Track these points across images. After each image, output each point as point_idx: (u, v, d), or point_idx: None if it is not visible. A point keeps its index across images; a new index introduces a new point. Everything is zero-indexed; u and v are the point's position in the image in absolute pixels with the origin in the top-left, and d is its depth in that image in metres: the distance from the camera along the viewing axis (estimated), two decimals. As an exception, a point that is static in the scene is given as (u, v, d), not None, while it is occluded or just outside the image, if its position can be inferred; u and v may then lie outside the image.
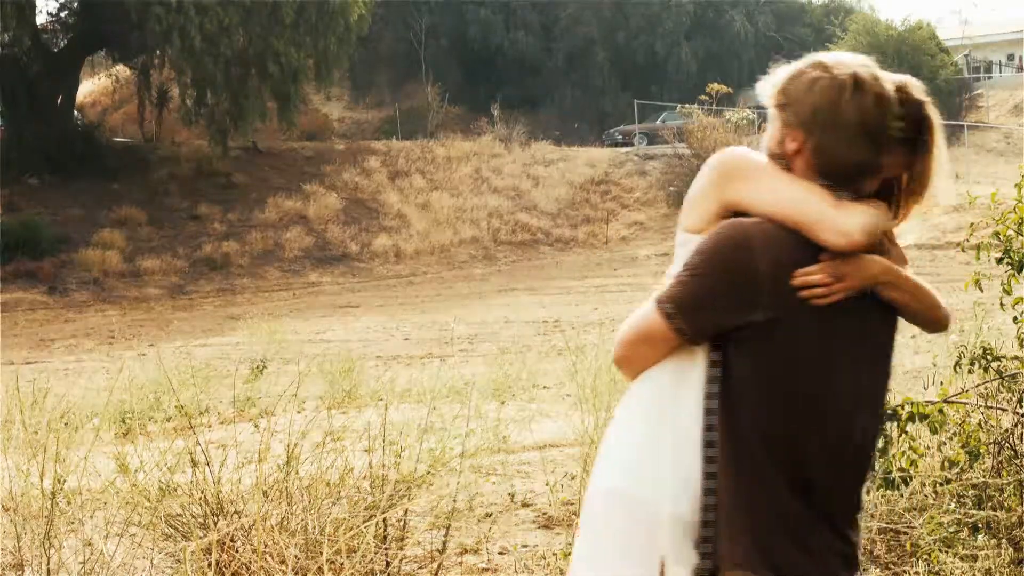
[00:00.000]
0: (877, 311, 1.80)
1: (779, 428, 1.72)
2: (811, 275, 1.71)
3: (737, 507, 1.71)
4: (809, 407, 1.73)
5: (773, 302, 1.71)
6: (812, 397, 1.73)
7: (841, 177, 1.76)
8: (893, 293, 1.79)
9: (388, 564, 3.23)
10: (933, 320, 1.87)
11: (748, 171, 1.82)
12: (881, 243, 1.82)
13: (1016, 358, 3.54)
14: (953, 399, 3.44)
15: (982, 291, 3.58)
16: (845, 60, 1.79)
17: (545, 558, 3.70)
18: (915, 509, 3.42)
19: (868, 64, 1.79)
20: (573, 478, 4.58)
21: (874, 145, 1.76)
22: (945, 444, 3.62)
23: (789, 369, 1.72)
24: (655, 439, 1.79)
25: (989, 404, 3.63)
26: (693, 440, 1.76)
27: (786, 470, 1.71)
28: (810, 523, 1.72)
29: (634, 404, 1.86)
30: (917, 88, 1.85)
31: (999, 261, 3.47)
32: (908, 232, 1.94)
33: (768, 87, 1.82)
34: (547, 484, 4.53)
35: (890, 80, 1.81)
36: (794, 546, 1.71)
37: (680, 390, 1.79)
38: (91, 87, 34.89)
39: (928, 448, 3.62)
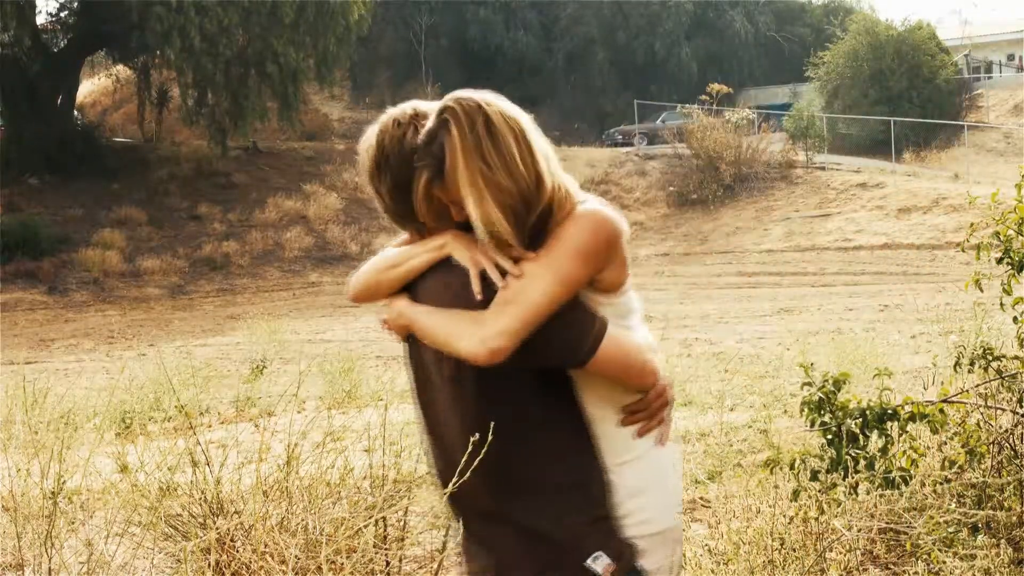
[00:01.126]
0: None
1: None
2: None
3: None
4: (421, 418, 1.94)
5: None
6: (420, 409, 1.93)
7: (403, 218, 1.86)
8: (418, 337, 1.82)
9: (388, 564, 3.23)
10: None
11: None
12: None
13: (1016, 358, 3.54)
14: (953, 399, 3.44)
15: (982, 291, 3.57)
16: (380, 121, 1.84)
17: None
18: (915, 509, 3.41)
19: (388, 116, 1.82)
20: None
21: (392, 189, 1.80)
22: (945, 444, 3.62)
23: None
24: None
25: (989, 404, 3.63)
26: None
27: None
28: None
29: None
30: (428, 116, 1.79)
31: (999, 261, 3.46)
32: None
33: None
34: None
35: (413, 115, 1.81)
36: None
37: None
38: (91, 87, 34.94)
39: (928, 448, 3.62)
